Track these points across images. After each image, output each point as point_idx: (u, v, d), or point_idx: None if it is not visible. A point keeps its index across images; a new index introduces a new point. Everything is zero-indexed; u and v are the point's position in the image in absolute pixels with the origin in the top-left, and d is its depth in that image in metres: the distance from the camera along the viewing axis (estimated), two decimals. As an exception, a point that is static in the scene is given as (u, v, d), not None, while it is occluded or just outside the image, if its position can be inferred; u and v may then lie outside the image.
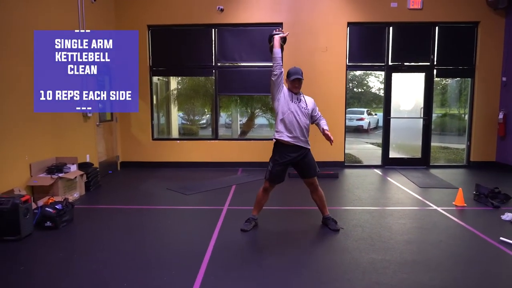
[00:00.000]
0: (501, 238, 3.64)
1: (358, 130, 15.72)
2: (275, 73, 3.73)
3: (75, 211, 4.32)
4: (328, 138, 3.75)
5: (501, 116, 7.26)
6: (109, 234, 3.91)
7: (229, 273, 2.97)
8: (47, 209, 3.96)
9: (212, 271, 2.98)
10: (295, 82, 3.78)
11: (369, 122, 16.25)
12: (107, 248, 3.50)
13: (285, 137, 3.75)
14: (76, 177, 5.11)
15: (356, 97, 20.87)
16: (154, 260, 3.19)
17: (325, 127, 3.84)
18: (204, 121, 11.45)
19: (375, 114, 16.77)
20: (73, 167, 5.17)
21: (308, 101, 3.91)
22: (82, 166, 5.59)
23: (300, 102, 3.80)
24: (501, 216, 4.32)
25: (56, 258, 3.27)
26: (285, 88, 3.83)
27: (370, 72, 16.60)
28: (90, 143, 6.33)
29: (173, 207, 4.89)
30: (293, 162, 3.84)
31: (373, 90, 20.28)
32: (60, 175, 4.81)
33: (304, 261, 3.25)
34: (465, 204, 4.84)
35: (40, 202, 4.37)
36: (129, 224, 4.22)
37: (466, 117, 7.96)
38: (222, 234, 3.82)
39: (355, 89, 21.32)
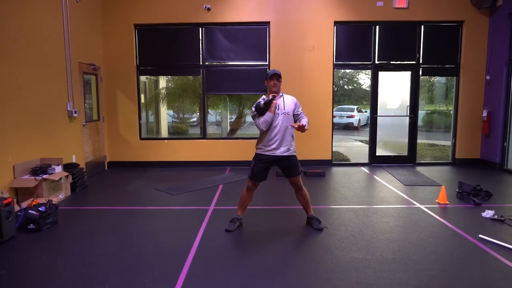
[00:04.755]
0: (480, 235, 3.72)
1: (348, 128, 15.82)
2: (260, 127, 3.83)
3: (60, 213, 4.30)
4: (300, 128, 3.69)
5: (485, 114, 7.38)
6: (94, 235, 3.90)
7: (211, 273, 2.99)
8: (30, 211, 3.93)
9: (194, 272, 3.00)
10: (273, 78, 3.78)
11: (359, 119, 16.33)
12: (91, 250, 3.50)
13: (263, 151, 3.86)
14: (61, 178, 5.07)
15: (347, 94, 20.99)
16: (137, 262, 3.21)
17: (303, 123, 3.79)
18: (195, 119, 11.38)
19: (365, 111, 16.84)
20: (58, 168, 5.13)
21: (289, 101, 3.89)
22: (68, 167, 5.56)
23: (278, 109, 3.80)
24: (482, 213, 4.41)
25: (39, 261, 3.26)
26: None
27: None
28: (76, 143, 6.28)
29: (160, 208, 4.89)
30: (275, 160, 3.87)
31: (363, 87, 20.41)
32: (45, 176, 4.76)
33: (287, 261, 3.29)
34: (448, 202, 4.93)
35: (24, 204, 4.34)
36: (115, 225, 4.21)
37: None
38: (207, 235, 3.84)
39: (345, 86, 21.44)
